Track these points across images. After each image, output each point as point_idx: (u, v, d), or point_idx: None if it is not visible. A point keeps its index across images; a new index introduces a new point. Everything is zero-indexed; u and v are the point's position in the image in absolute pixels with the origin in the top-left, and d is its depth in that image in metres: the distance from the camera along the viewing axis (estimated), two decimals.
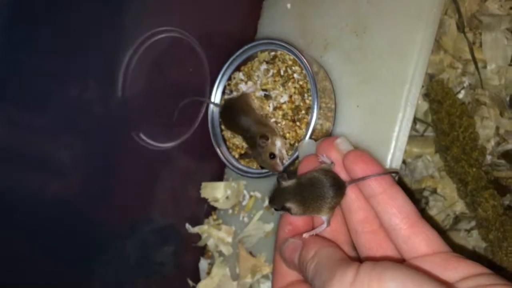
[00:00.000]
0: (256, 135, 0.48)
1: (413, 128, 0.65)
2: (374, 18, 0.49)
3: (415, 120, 0.64)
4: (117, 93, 0.48)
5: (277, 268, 0.40)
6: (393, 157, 0.47)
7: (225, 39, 0.59)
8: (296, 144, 0.51)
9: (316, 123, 0.49)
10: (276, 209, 0.40)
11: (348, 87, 0.50)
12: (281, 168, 0.48)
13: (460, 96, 0.64)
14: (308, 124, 0.50)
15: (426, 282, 0.29)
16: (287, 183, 0.38)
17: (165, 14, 0.53)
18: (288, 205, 0.38)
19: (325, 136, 0.51)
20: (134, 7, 0.49)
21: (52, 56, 0.41)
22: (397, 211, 0.35)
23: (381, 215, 0.36)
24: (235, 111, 0.51)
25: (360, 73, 0.50)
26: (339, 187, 0.37)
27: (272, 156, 0.48)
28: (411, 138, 0.64)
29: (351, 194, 0.38)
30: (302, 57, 0.50)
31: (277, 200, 0.38)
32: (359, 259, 0.39)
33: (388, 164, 0.47)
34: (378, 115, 0.48)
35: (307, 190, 0.37)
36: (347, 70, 0.51)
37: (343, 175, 0.38)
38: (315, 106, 0.49)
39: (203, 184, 0.57)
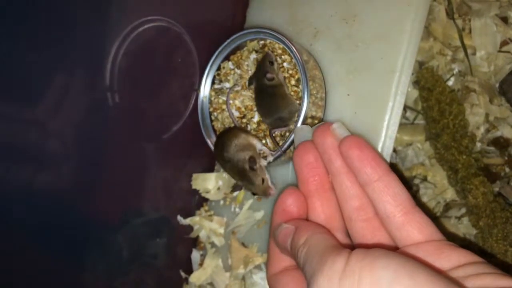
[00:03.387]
0: (243, 163, 0.48)
1: (403, 116, 0.65)
2: (363, 6, 0.49)
3: (405, 108, 0.64)
4: (105, 84, 0.48)
5: (271, 253, 0.40)
6: (383, 145, 0.47)
7: (214, 28, 0.58)
8: (287, 134, 0.51)
9: (307, 112, 0.49)
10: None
11: (338, 75, 0.50)
12: (274, 191, 0.48)
13: (450, 83, 0.64)
14: (299, 113, 0.49)
15: (419, 271, 0.29)
16: None
17: (153, 3, 0.52)
18: None
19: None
20: None
21: (39, 48, 0.41)
22: (391, 199, 0.35)
23: (375, 203, 0.36)
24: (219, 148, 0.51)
25: (350, 61, 0.49)
26: None
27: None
28: (402, 126, 0.64)
29: (346, 182, 0.38)
30: (292, 46, 0.49)
31: None
32: (352, 247, 0.38)
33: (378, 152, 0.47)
34: (369, 104, 0.48)
35: None
36: (337, 58, 0.50)
37: (339, 161, 0.37)
38: (305, 95, 0.49)
39: (194, 175, 0.57)
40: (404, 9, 0.46)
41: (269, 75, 0.48)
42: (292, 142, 0.49)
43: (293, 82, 0.51)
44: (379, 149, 0.47)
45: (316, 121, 0.51)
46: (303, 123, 0.49)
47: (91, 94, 0.47)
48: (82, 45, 0.45)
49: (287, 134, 0.51)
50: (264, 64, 0.49)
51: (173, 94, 0.57)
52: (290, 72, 0.51)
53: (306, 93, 0.49)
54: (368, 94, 0.48)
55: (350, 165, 0.37)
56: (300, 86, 0.50)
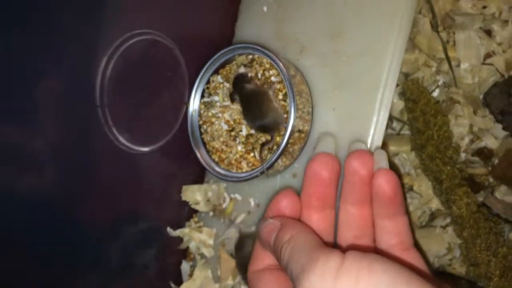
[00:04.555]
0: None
1: (389, 126, 0.66)
2: (348, 22, 0.50)
3: (392, 118, 0.66)
4: (95, 96, 0.48)
5: (255, 251, 0.40)
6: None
7: (203, 42, 0.59)
8: (275, 147, 0.52)
9: (294, 126, 0.50)
10: None
11: (325, 90, 0.51)
12: None
13: (435, 94, 0.65)
14: (286, 127, 0.50)
15: (414, 278, 0.29)
16: None
17: (143, 17, 0.53)
18: None
19: (303, 139, 0.52)
20: (110, 10, 0.49)
21: (27, 59, 0.41)
22: (396, 237, 0.36)
23: (379, 235, 0.37)
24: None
25: (336, 76, 0.50)
26: None
27: None
28: (388, 136, 0.65)
29: (353, 210, 0.38)
30: (278, 61, 0.50)
31: None
32: None
33: None
34: (354, 118, 0.49)
35: None
36: (323, 73, 0.51)
37: (362, 194, 0.38)
38: (292, 109, 0.50)
39: (184, 187, 0.58)
40: (388, 26, 0.47)
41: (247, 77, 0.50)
42: (279, 156, 0.50)
43: (280, 96, 0.52)
44: None
45: (303, 135, 0.52)
46: (290, 137, 0.50)
47: (80, 105, 0.48)
48: (71, 57, 0.45)
49: (274, 147, 0.52)
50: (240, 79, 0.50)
51: (163, 106, 0.57)
52: (278, 86, 0.52)
53: (293, 107, 0.50)
54: (353, 109, 0.49)
55: (376, 197, 0.37)
56: (288, 101, 0.51)
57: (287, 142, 0.50)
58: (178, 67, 0.57)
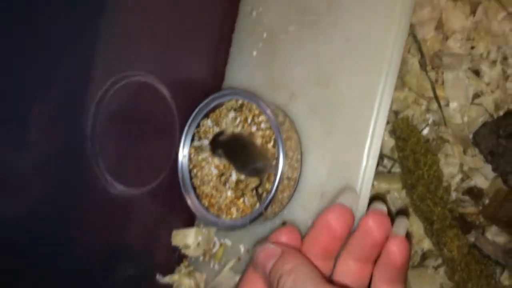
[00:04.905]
0: None
1: (380, 164, 0.66)
2: (334, 71, 0.50)
3: (383, 156, 0.66)
4: (85, 138, 0.48)
5: (246, 272, 0.39)
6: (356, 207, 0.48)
7: (193, 85, 0.59)
8: (264, 195, 0.52)
9: (283, 174, 0.50)
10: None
11: (313, 137, 0.51)
12: None
13: (425, 132, 0.65)
14: (275, 174, 0.50)
15: None
16: None
17: (133, 60, 0.53)
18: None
19: (292, 187, 0.52)
20: (102, 53, 0.49)
21: (17, 100, 0.41)
22: None
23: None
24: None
25: (325, 123, 0.50)
26: None
27: None
28: (379, 174, 0.65)
29: (353, 264, 0.38)
30: (266, 108, 0.50)
31: None
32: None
33: None
34: (342, 166, 0.49)
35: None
36: (312, 120, 0.51)
37: (371, 254, 0.38)
38: (281, 157, 0.50)
39: (174, 232, 0.58)
40: (374, 76, 0.47)
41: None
42: (268, 204, 0.50)
43: (271, 143, 0.52)
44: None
45: (292, 182, 0.52)
46: (279, 184, 0.50)
47: (70, 150, 0.48)
48: (61, 98, 0.45)
49: (264, 194, 0.52)
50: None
51: (153, 149, 0.57)
52: (267, 132, 0.52)
53: (281, 154, 0.50)
54: (342, 156, 0.49)
55: (384, 261, 0.37)
56: (277, 148, 0.51)
57: (276, 190, 0.50)
58: (169, 111, 0.57)
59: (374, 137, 0.47)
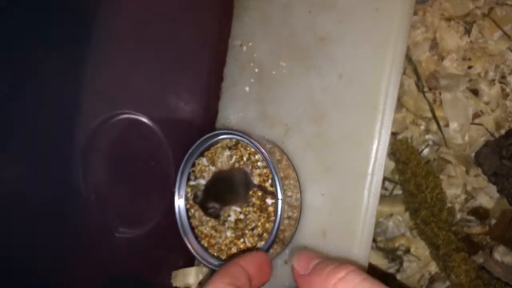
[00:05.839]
0: None
1: (382, 187, 0.65)
2: (330, 106, 0.48)
3: (384, 179, 0.64)
4: (78, 177, 0.47)
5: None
6: (360, 246, 0.47)
7: (186, 123, 0.58)
8: (265, 235, 0.51)
9: (283, 212, 0.49)
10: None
11: (312, 174, 0.50)
12: None
13: (425, 152, 0.64)
14: (275, 214, 0.49)
15: None
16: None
17: (124, 99, 0.52)
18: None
19: (293, 226, 0.51)
20: (89, 92, 0.48)
21: (9, 143, 0.41)
22: None
23: None
24: None
25: (322, 160, 0.49)
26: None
27: None
28: (380, 198, 0.64)
29: None
30: (261, 149, 0.49)
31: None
32: None
33: (356, 252, 0.47)
34: (343, 204, 0.48)
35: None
36: (309, 157, 0.50)
37: None
38: (279, 197, 0.48)
39: (174, 273, 0.56)
40: (371, 112, 0.46)
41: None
42: (270, 245, 0.49)
43: (269, 181, 0.51)
44: (356, 250, 0.47)
45: (292, 222, 0.51)
46: (280, 224, 0.49)
47: (62, 187, 0.47)
48: (53, 135, 0.45)
49: (264, 234, 0.51)
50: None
51: (148, 190, 0.56)
52: (264, 171, 0.51)
53: (279, 193, 0.49)
54: (342, 195, 0.48)
55: None
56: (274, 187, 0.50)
57: (277, 230, 0.49)
58: (164, 151, 0.56)
59: (374, 175, 0.46)
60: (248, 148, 0.52)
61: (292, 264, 0.40)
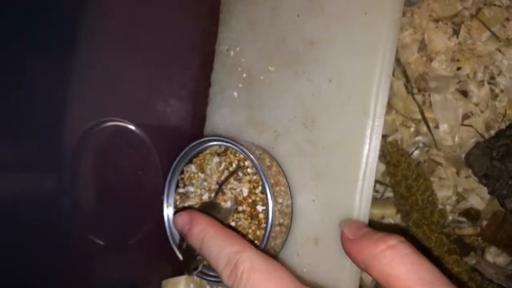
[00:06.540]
0: None
1: (373, 189, 0.65)
2: (320, 112, 0.48)
3: (374, 182, 0.64)
4: (66, 185, 0.47)
5: None
6: None
7: (174, 129, 0.57)
8: (257, 242, 0.50)
9: (274, 220, 0.48)
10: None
11: (303, 180, 0.49)
12: None
13: (415, 154, 0.64)
14: (266, 221, 0.48)
15: None
16: None
17: (111, 106, 0.51)
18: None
19: (284, 233, 0.50)
20: (76, 98, 0.47)
21: None
22: None
23: None
24: None
25: (313, 166, 0.48)
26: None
27: None
28: (372, 200, 0.64)
29: None
30: (251, 155, 0.48)
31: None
32: None
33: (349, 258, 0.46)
34: (334, 210, 0.47)
35: None
36: (299, 163, 0.49)
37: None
38: (270, 204, 0.48)
39: (164, 282, 0.56)
40: (361, 118, 0.45)
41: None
42: (263, 250, 0.48)
43: (259, 188, 0.50)
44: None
45: (284, 229, 0.50)
46: (271, 231, 0.48)
47: (46, 196, 0.46)
48: (40, 140, 0.44)
49: (256, 242, 0.50)
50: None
51: (136, 198, 0.55)
52: (254, 177, 0.50)
53: (270, 200, 0.48)
54: (334, 201, 0.48)
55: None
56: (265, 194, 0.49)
57: (268, 237, 0.48)
58: (152, 158, 0.55)
59: (366, 180, 0.45)
60: (237, 155, 0.51)
61: (342, 229, 0.41)
